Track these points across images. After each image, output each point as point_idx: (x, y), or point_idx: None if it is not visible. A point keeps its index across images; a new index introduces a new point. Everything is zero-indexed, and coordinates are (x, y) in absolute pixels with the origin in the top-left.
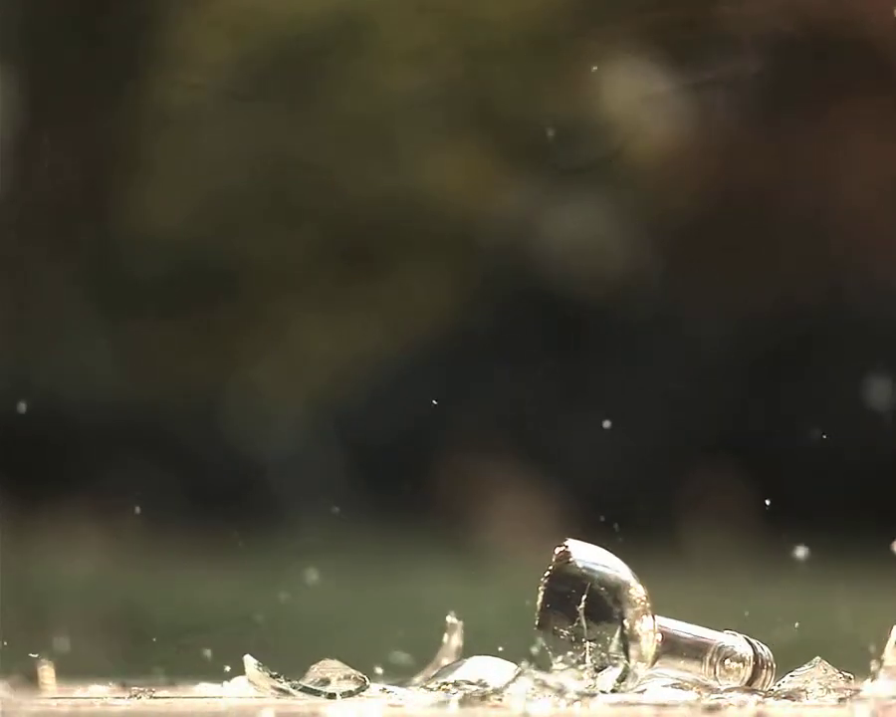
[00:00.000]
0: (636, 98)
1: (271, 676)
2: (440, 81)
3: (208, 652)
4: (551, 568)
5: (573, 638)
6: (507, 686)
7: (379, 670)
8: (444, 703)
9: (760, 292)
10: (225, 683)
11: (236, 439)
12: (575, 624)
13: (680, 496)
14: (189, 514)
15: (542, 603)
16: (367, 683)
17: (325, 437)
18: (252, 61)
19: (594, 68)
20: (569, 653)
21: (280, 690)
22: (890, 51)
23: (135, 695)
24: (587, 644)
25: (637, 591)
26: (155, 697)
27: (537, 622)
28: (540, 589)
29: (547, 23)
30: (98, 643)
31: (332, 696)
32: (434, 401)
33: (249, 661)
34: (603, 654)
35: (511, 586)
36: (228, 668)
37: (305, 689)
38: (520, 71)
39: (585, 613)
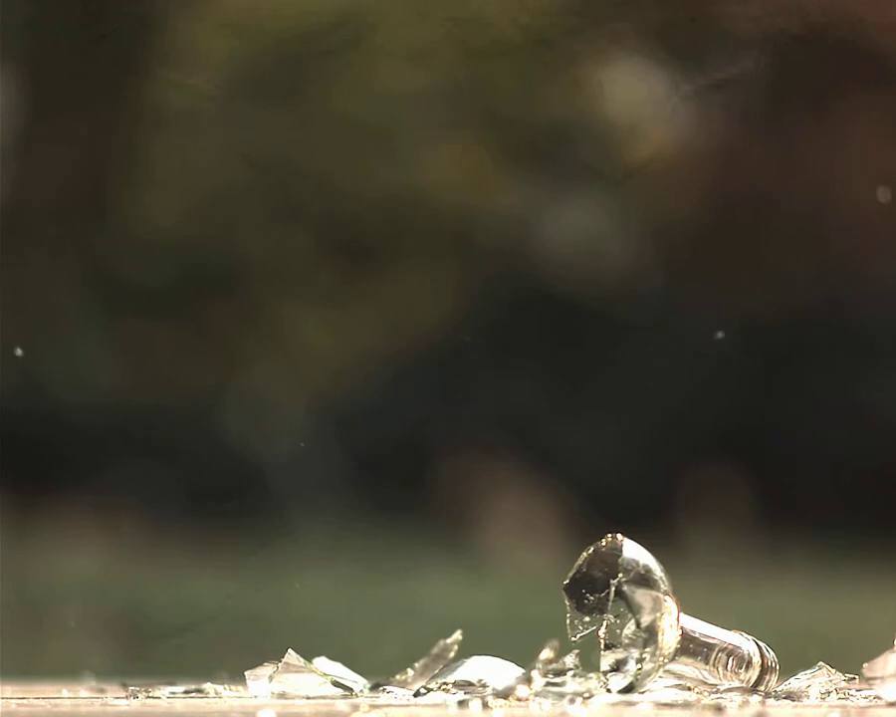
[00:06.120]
0: (637, 97)
1: (311, 669)
2: (440, 81)
3: (207, 651)
4: (599, 545)
5: (595, 607)
6: (508, 687)
7: (378, 670)
8: (445, 703)
9: (760, 292)
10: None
11: (236, 439)
12: (603, 595)
13: (680, 495)
14: (189, 514)
15: (577, 568)
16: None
17: (325, 437)
18: (252, 61)
19: (595, 68)
20: (587, 620)
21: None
22: (890, 51)
23: (135, 695)
24: (608, 616)
25: (670, 600)
26: (155, 697)
27: (566, 583)
28: (583, 554)
29: (547, 23)
30: (97, 643)
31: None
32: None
33: (291, 655)
34: (619, 631)
35: (511, 586)
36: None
37: (338, 684)
38: (520, 71)
39: (616, 592)
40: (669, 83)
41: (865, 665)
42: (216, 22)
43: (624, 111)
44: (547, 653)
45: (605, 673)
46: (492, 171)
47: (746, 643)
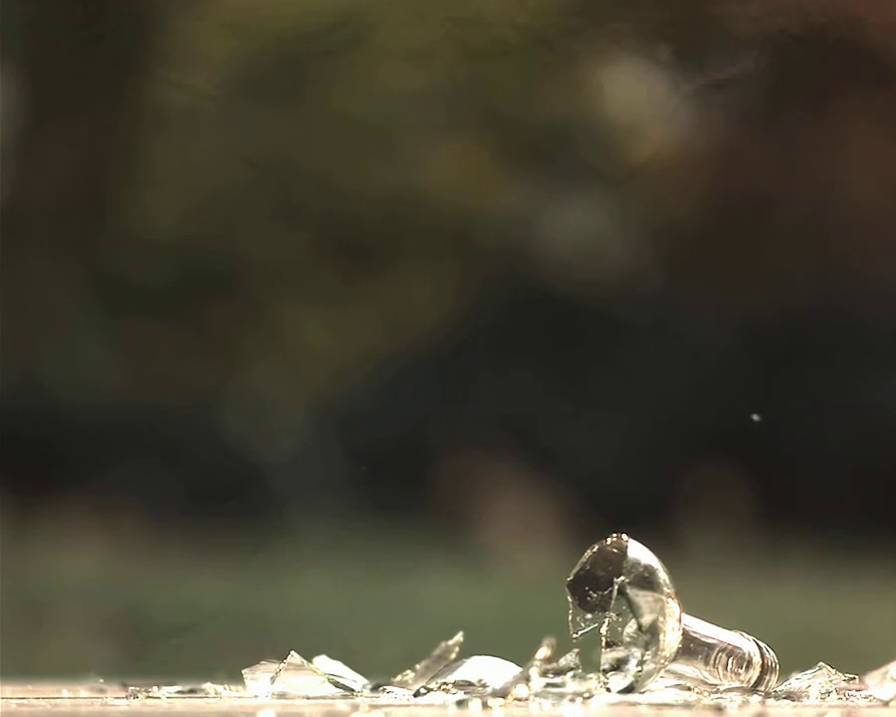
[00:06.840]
0: (637, 97)
1: (311, 669)
2: (440, 81)
3: (207, 651)
4: (604, 544)
5: (598, 605)
6: (508, 687)
7: (378, 670)
8: (445, 703)
9: (759, 292)
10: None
11: (236, 439)
12: (606, 593)
13: (680, 495)
14: (189, 514)
15: (581, 565)
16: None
17: (325, 437)
18: (252, 61)
19: (595, 68)
20: (588, 617)
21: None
22: (890, 51)
23: (135, 695)
24: (610, 615)
25: (672, 602)
26: (155, 697)
27: (569, 579)
28: (588, 551)
29: (547, 23)
30: (97, 643)
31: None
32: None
33: (294, 656)
34: (620, 629)
35: (511, 586)
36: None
37: (338, 684)
38: (520, 70)
39: (620, 590)
40: (669, 83)
41: (869, 675)
42: (216, 22)
43: (624, 111)
44: (544, 651)
45: (605, 672)
46: (492, 171)
47: (746, 643)
